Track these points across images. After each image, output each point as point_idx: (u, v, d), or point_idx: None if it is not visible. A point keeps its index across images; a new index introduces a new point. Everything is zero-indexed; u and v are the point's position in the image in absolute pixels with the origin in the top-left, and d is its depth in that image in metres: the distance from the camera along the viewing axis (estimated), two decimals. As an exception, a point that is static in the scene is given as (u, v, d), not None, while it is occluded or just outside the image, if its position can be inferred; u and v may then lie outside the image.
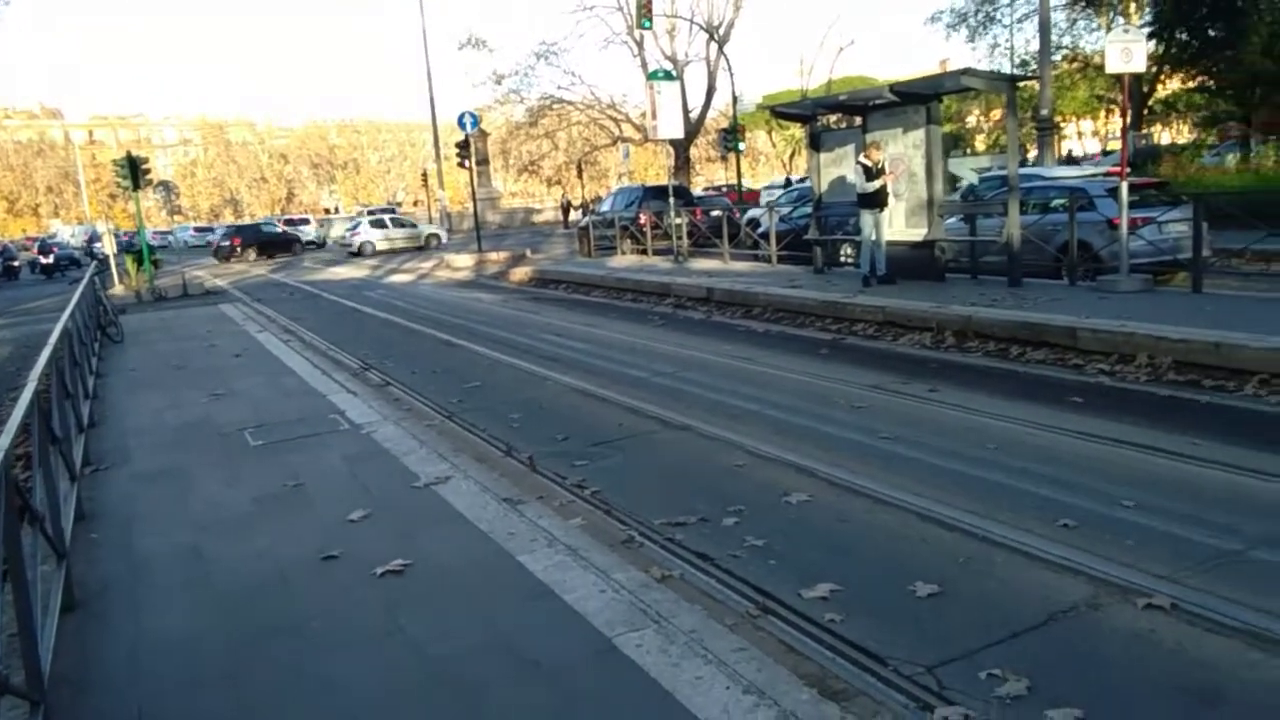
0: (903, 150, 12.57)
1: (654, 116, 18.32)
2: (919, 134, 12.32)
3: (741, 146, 35.65)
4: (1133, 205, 10.65)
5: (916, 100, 12.31)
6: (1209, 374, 7.23)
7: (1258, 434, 5.86)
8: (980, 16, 42.05)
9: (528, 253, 26.67)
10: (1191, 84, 30.66)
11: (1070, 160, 39.79)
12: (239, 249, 38.96)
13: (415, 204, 76.47)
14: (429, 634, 3.69)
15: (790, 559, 4.45)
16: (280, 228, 45.97)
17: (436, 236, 38.26)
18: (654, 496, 5.46)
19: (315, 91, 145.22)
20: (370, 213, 48.38)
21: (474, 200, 31.19)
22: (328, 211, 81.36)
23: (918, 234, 12.55)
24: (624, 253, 22.16)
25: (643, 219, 22.43)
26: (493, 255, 26.00)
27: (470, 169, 28.22)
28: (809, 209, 15.40)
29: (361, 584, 4.24)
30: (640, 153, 53.53)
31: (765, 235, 17.67)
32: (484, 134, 44.40)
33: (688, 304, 14.34)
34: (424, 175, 55.63)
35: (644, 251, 21.50)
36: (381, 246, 35.87)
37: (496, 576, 4.19)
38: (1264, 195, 14.84)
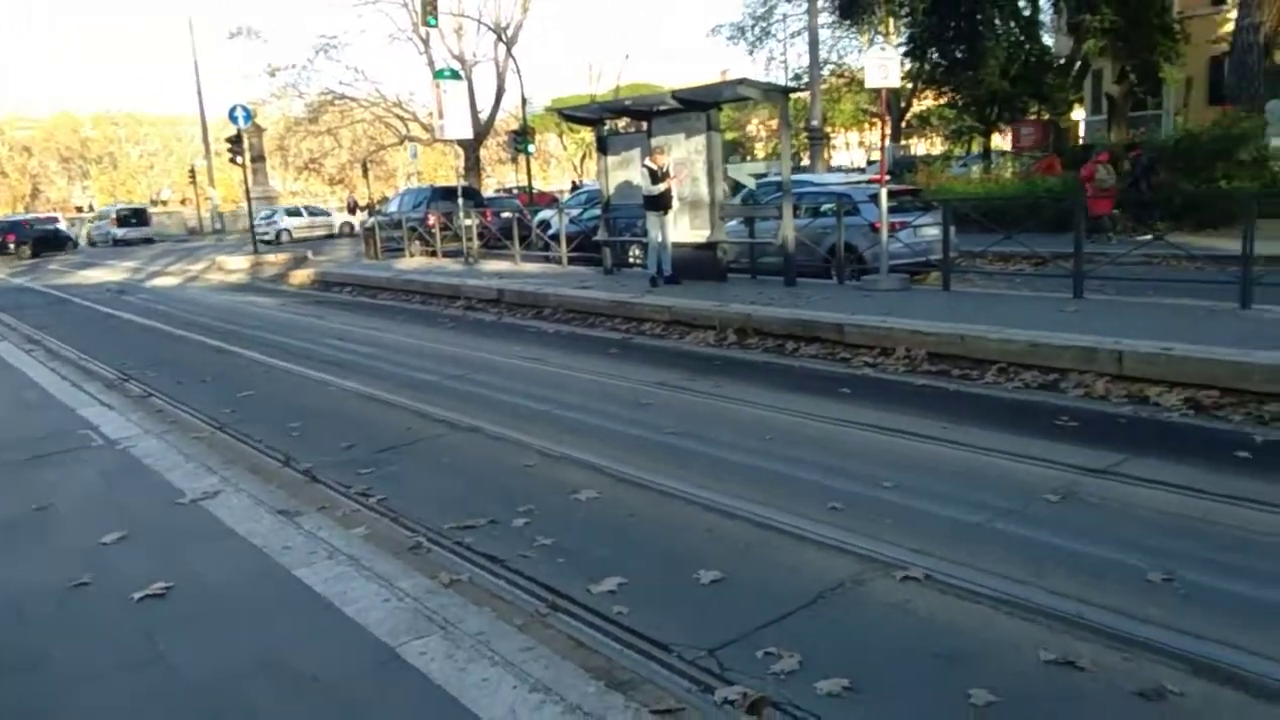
0: (686, 155, 12.99)
1: (441, 116, 17.98)
2: (700, 139, 12.78)
3: (531, 149, 35.67)
4: (891, 211, 11.53)
5: (698, 107, 12.75)
6: (956, 364, 7.94)
7: (998, 418, 6.48)
8: (757, 31, 44.22)
9: (309, 254, 25.47)
10: (942, 100, 33.58)
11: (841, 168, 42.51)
12: (12, 246, 35.79)
13: (183, 202, 71.13)
14: (193, 659, 3.44)
15: (579, 556, 4.49)
16: (63, 224, 41.85)
17: (349, 225, 39.02)
18: (442, 501, 5.35)
19: (66, 80, 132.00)
20: (120, 212, 44.68)
21: (248, 199, 29.41)
22: (80, 210, 74.20)
23: (701, 236, 13.01)
24: (412, 255, 21.61)
25: (431, 220, 21.97)
26: (270, 257, 24.64)
27: (244, 166, 26.60)
28: (599, 211, 15.61)
29: (116, 611, 3.89)
30: (429, 153, 52.36)
31: (556, 237, 17.76)
32: (259, 129, 42.04)
33: (478, 306, 14.17)
34: (191, 171, 51.83)
35: (433, 253, 21.06)
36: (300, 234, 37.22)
37: (270, 593, 3.96)
38: (1003, 202, 16.45)
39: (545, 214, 22.26)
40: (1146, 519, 4.52)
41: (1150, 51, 29.50)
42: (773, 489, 5.24)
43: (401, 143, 43.21)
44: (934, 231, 12.05)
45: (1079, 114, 39.78)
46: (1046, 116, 31.40)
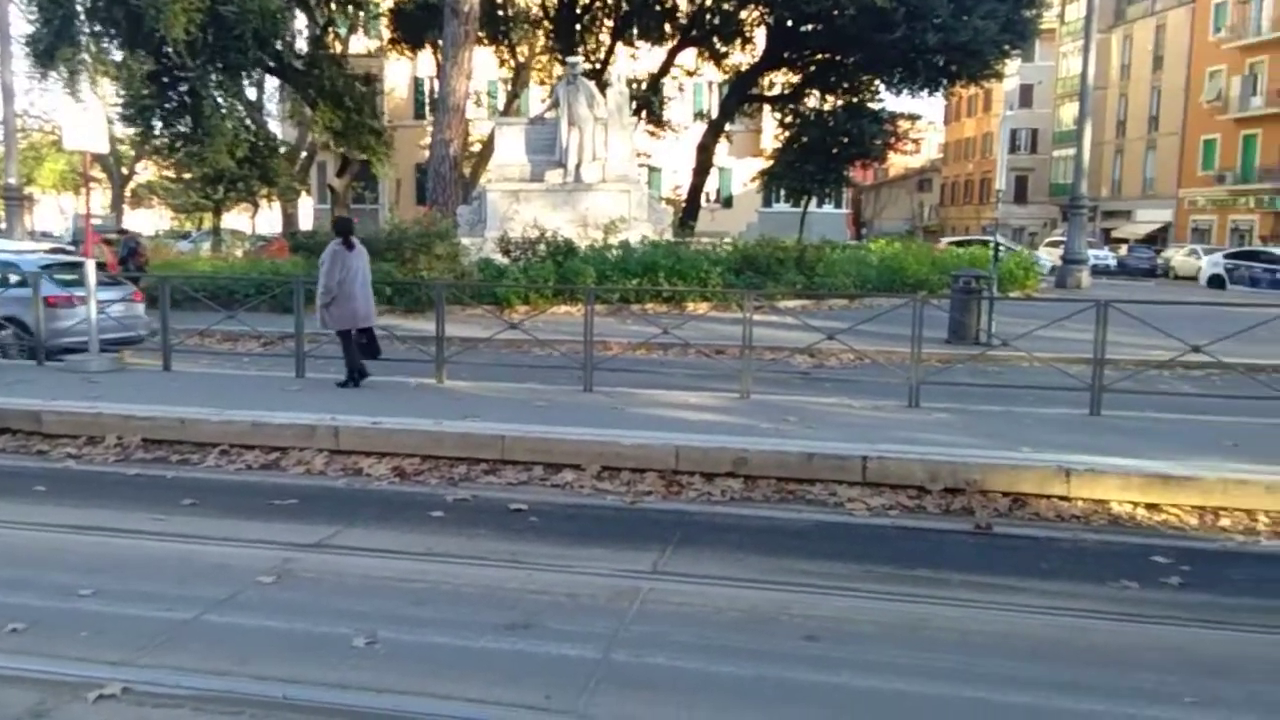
0: None
1: None
2: None
3: None
4: (71, 284, 10.92)
5: None
6: (176, 449, 7.50)
7: (217, 503, 6.23)
8: None
9: None
10: (169, 172, 32.19)
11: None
12: None
13: None
14: None
15: None
16: None
17: None
18: None
19: None
20: None
21: None
22: None
23: None
24: None
25: None
26: None
27: None
28: None
29: None
30: None
31: None
32: None
33: None
34: None
35: None
36: None
37: None
38: (230, 281, 16.31)
39: None
40: (355, 586, 4.77)
41: (366, 151, 32.57)
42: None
43: None
44: (123, 309, 11.79)
45: (308, 202, 41.89)
46: (276, 201, 32.35)
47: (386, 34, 33.65)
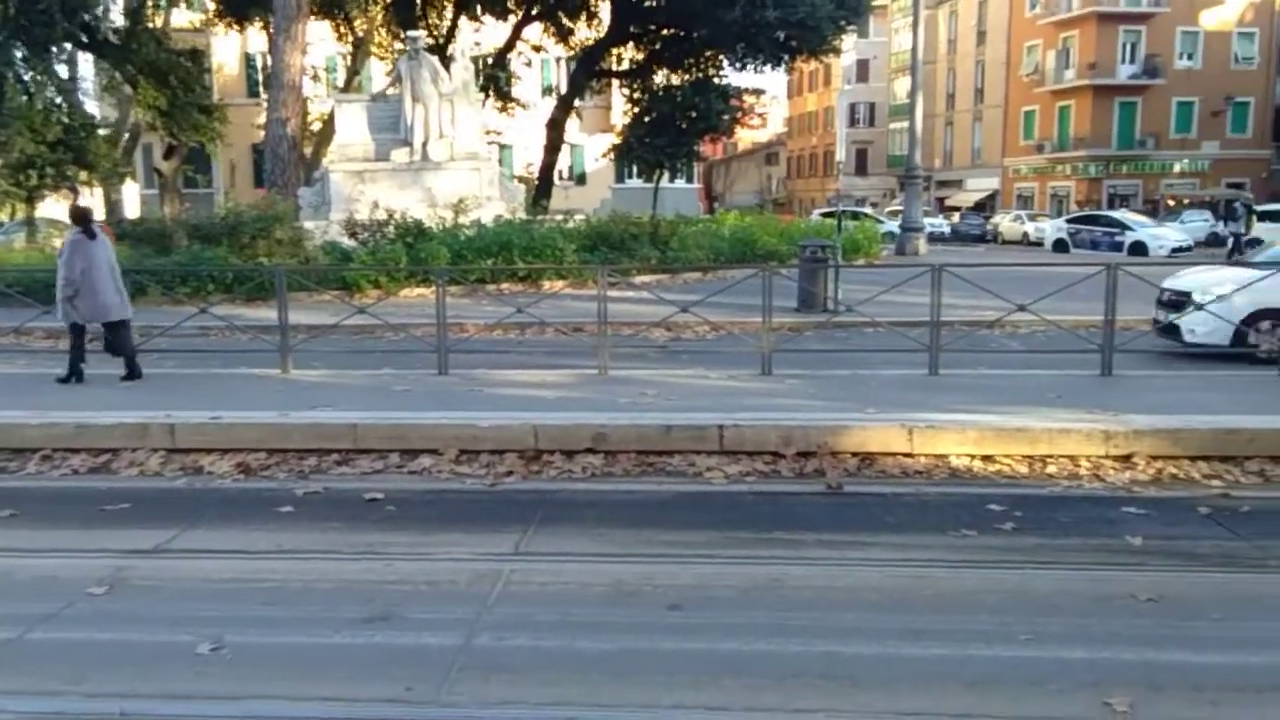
0: None
1: None
2: None
3: None
4: None
5: None
6: (-11, 458, 6.91)
7: (38, 512, 5.78)
8: None
9: None
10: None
11: None
12: None
13: None
14: None
15: None
16: None
17: None
18: None
19: None
20: None
21: None
22: None
23: None
24: None
25: None
26: None
27: None
28: None
29: None
30: None
31: None
32: None
33: None
34: None
35: None
36: None
37: None
38: (47, 275, 15.10)
39: None
40: (198, 591, 4.52)
41: (196, 131, 30.75)
42: None
43: None
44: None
45: (134, 187, 39.27)
46: (99, 186, 30.16)
47: (212, 6, 31.72)
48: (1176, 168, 47.40)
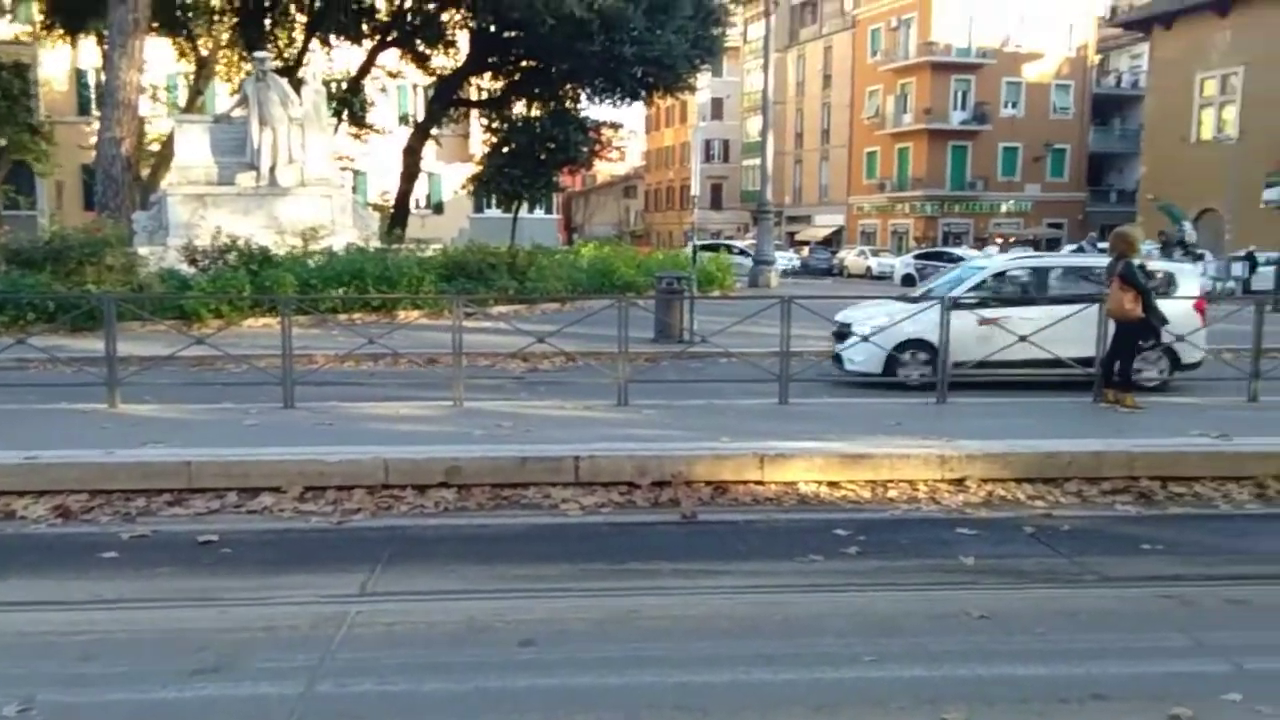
0: None
1: None
2: None
3: None
4: None
5: None
6: None
7: None
8: None
9: None
10: None
11: None
12: None
13: None
14: None
15: None
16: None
17: None
18: None
19: None
20: None
21: None
22: None
23: None
24: None
25: None
26: None
27: None
28: None
29: None
30: None
31: None
32: None
33: None
34: None
35: None
36: None
37: None
38: None
39: None
40: (6, 647, 4.13)
41: (19, 149, 28.66)
42: None
43: None
44: None
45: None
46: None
47: (40, 18, 29.73)
48: (1004, 208, 50.92)
